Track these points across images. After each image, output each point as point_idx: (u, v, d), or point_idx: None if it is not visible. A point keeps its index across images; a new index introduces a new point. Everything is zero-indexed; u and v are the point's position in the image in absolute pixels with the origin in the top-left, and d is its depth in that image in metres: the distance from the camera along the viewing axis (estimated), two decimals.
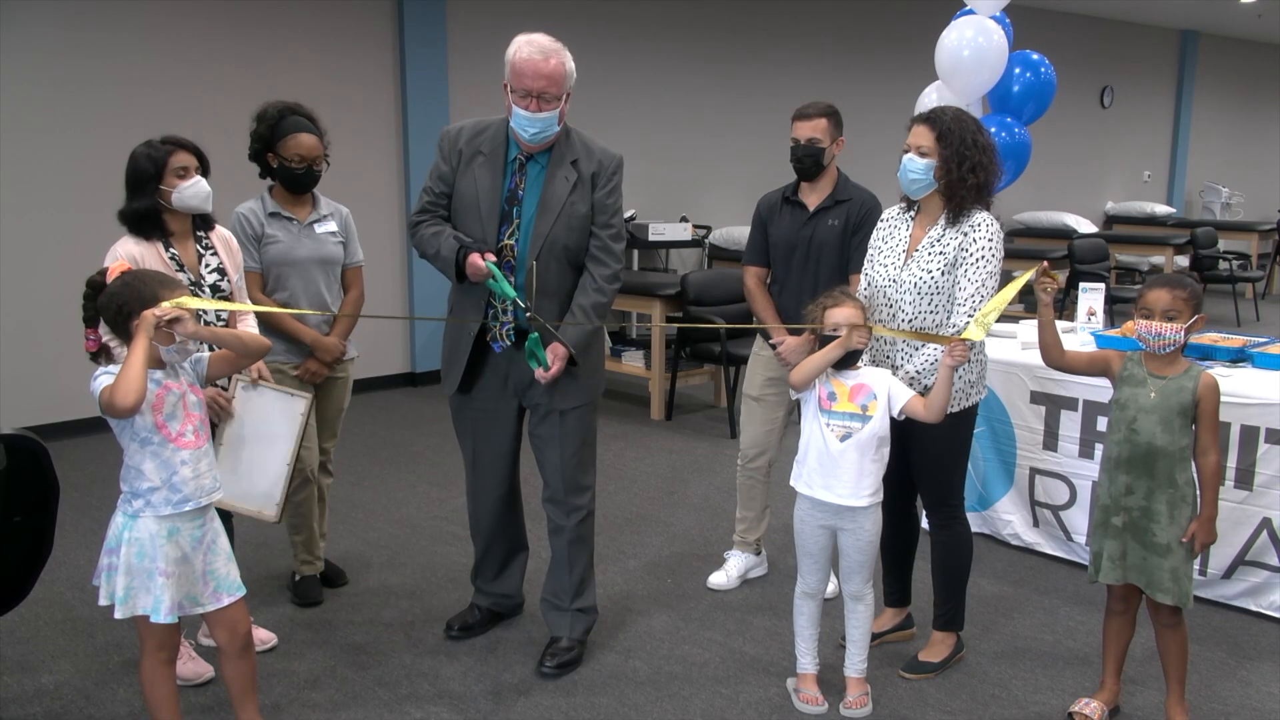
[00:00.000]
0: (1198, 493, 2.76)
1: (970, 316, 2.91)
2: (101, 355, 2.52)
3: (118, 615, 2.45)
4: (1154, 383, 2.75)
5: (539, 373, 2.96)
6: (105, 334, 2.50)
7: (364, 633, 3.49)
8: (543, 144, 2.99)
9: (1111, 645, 2.96)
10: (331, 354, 3.56)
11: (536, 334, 2.92)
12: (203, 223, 3.13)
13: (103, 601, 2.49)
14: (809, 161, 3.54)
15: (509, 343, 3.10)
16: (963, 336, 2.77)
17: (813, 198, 3.59)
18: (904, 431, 2.94)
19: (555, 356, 2.96)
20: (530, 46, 2.90)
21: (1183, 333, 2.69)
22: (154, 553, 2.44)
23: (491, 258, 2.91)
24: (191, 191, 2.99)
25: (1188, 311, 2.69)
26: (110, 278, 2.45)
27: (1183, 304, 2.68)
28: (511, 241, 3.03)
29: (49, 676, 3.20)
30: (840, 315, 2.84)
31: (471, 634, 3.43)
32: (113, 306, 2.41)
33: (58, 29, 5.67)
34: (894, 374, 2.95)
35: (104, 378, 2.37)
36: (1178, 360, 2.76)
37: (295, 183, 3.49)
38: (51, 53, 5.67)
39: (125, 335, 2.42)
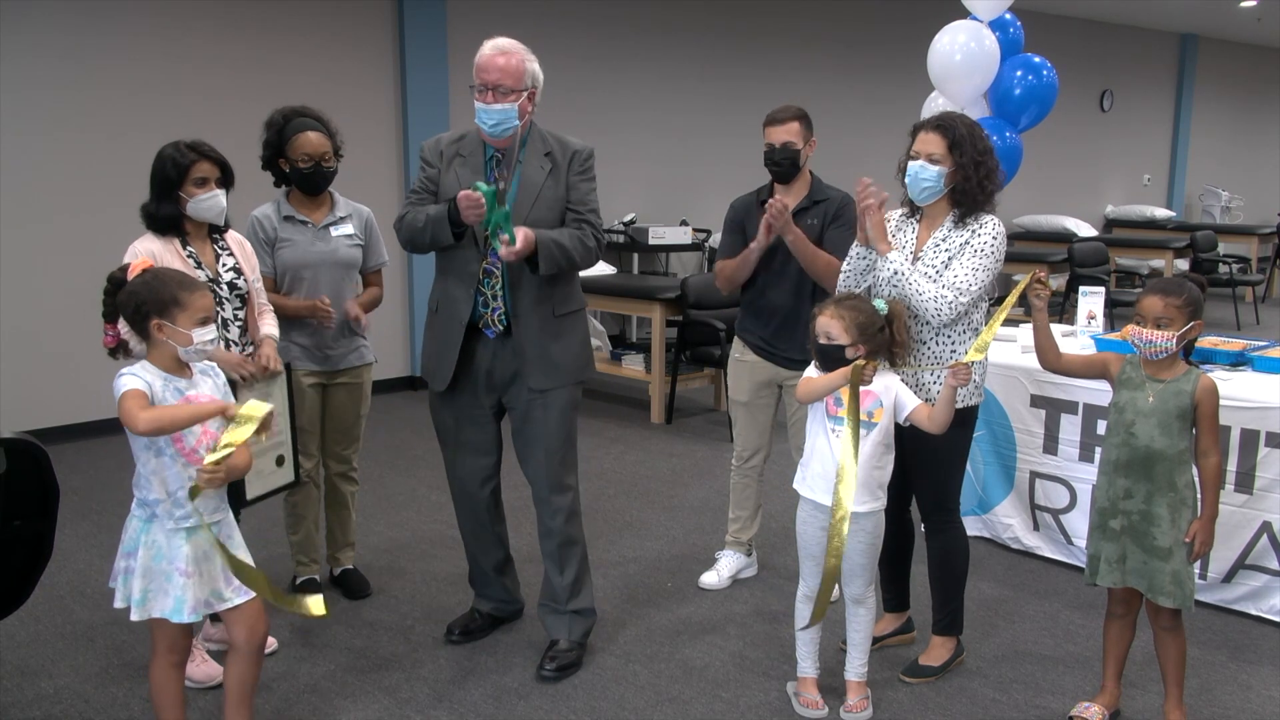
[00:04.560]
0: (1198, 495, 2.76)
1: (953, 292, 2.91)
2: (120, 351, 2.53)
3: (134, 618, 2.44)
4: (1152, 386, 2.75)
5: (504, 247, 2.93)
6: (124, 330, 2.51)
7: (364, 636, 3.49)
8: (504, 138, 3.07)
9: (1112, 648, 2.96)
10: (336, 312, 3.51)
11: (507, 210, 2.93)
12: (215, 226, 3.16)
13: (119, 604, 2.48)
14: (786, 164, 3.59)
15: (501, 327, 3.13)
16: (964, 360, 2.78)
17: (789, 199, 3.61)
18: (903, 434, 2.94)
19: (523, 237, 2.94)
20: (492, 45, 3.06)
21: (1174, 340, 2.67)
22: (172, 554, 2.44)
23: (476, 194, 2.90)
24: (207, 204, 3.04)
25: (1181, 319, 2.67)
26: (131, 275, 2.46)
27: (1176, 311, 2.67)
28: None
29: (48, 681, 3.19)
30: (819, 323, 2.84)
31: (472, 638, 3.43)
32: (131, 304, 2.42)
33: (58, 34, 5.68)
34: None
35: (128, 379, 2.36)
36: (1176, 364, 2.76)
37: (306, 183, 3.50)
38: (52, 57, 5.67)
39: (143, 333, 2.44)
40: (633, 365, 6.73)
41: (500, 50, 3.05)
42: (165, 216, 3.02)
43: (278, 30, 6.43)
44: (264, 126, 3.51)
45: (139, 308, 2.40)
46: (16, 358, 5.67)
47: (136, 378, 2.38)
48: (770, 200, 3.46)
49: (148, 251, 2.97)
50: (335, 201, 3.61)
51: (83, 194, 5.75)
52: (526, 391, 3.14)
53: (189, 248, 3.06)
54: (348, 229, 3.59)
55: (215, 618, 3.29)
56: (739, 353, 3.81)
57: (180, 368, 2.48)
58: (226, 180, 3.09)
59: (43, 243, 5.71)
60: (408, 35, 6.86)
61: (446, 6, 7.01)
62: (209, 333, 2.46)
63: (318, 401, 3.60)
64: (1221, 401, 3.55)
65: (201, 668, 3.14)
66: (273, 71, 6.37)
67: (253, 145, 3.54)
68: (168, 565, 2.43)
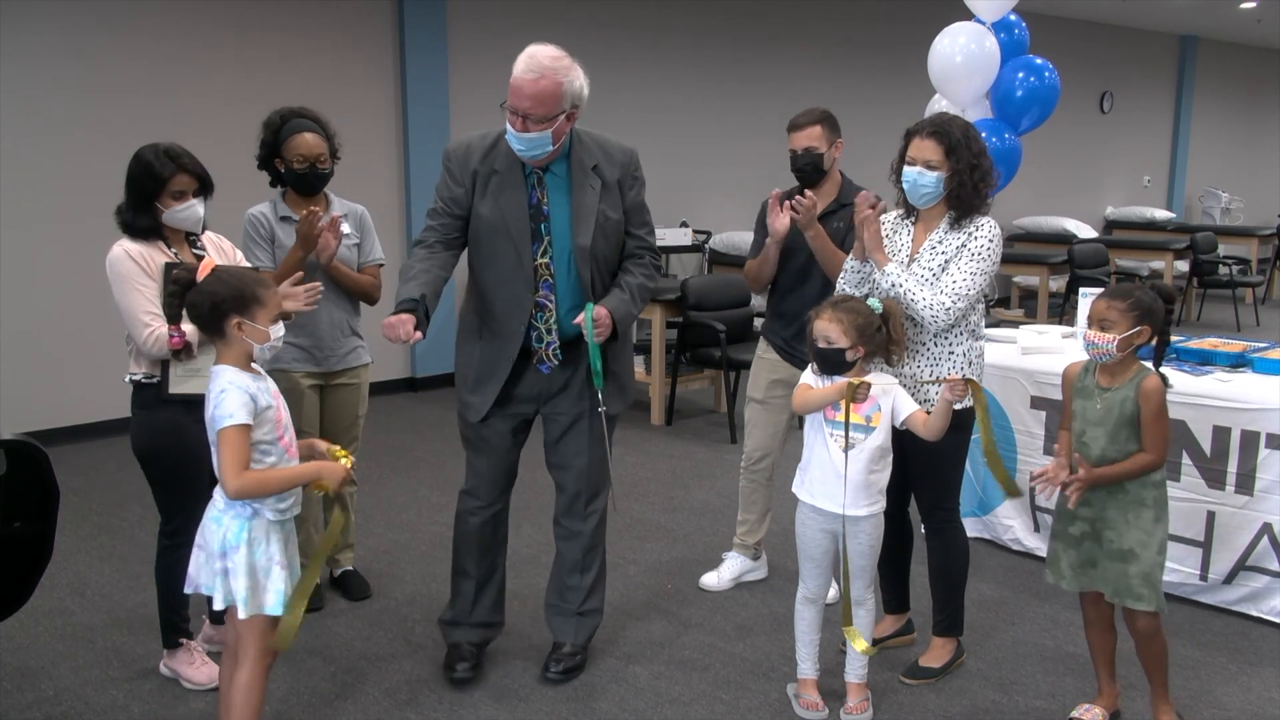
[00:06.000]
0: (1156, 494, 2.74)
1: (950, 299, 2.92)
2: (184, 352, 2.52)
3: (243, 615, 2.43)
4: (1100, 394, 2.75)
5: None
6: (189, 330, 2.52)
7: (364, 639, 3.49)
8: (537, 160, 2.90)
9: (1098, 652, 2.95)
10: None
11: (597, 347, 2.90)
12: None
13: (219, 605, 2.45)
14: (810, 169, 3.58)
15: (557, 361, 3.02)
16: (965, 378, 2.79)
17: (818, 202, 3.61)
18: (902, 436, 2.94)
19: (606, 324, 2.89)
20: (527, 62, 2.77)
21: (1115, 343, 2.66)
22: (271, 548, 2.44)
23: (418, 335, 2.73)
24: (183, 215, 3.01)
25: (1125, 323, 2.66)
26: (201, 275, 2.41)
27: (1118, 315, 2.66)
28: (545, 260, 2.94)
29: (48, 683, 3.19)
30: (816, 326, 2.83)
31: (478, 669, 3.22)
32: (207, 304, 2.38)
33: (57, 35, 5.68)
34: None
35: (232, 400, 2.32)
36: (1127, 370, 2.74)
37: (301, 183, 3.49)
38: (53, 58, 5.67)
39: (217, 332, 2.40)
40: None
41: (537, 72, 2.75)
42: (143, 228, 2.98)
43: (278, 30, 6.43)
44: (262, 126, 3.51)
45: (217, 306, 2.37)
46: (17, 359, 5.67)
47: (241, 393, 2.35)
48: (798, 197, 3.43)
49: (136, 250, 2.95)
50: (330, 202, 3.60)
51: (83, 195, 5.74)
52: (573, 405, 3.08)
53: (172, 248, 3.04)
54: (344, 229, 3.58)
55: (216, 619, 3.30)
56: (762, 350, 3.82)
57: (250, 366, 2.45)
58: (205, 189, 3.04)
59: (43, 244, 5.71)
60: (408, 35, 6.86)
61: (446, 6, 7.01)
62: (281, 329, 2.47)
63: (316, 402, 3.60)
64: (1222, 403, 3.59)
65: (202, 669, 3.14)
66: (272, 71, 6.38)
67: (253, 146, 3.54)
68: (267, 560, 2.44)
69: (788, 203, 3.46)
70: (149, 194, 2.96)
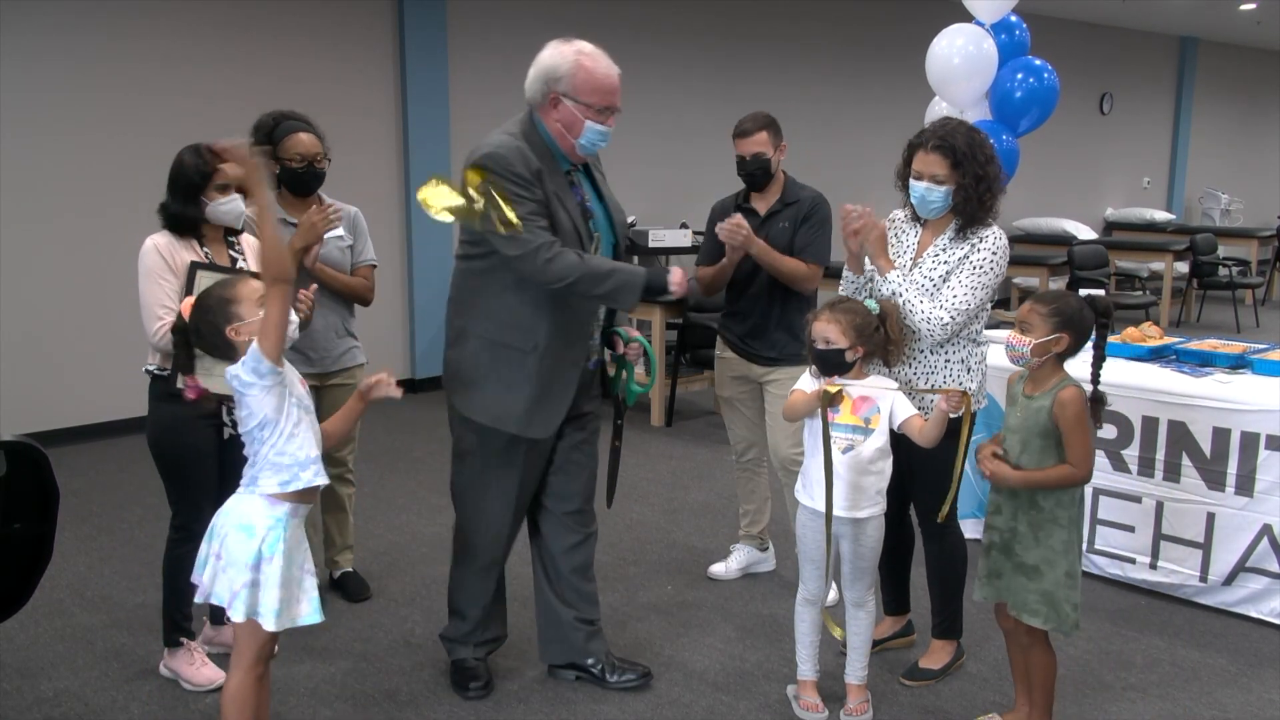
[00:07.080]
0: (1070, 514, 2.68)
1: (949, 314, 2.91)
2: (205, 400, 2.50)
3: (274, 628, 2.38)
4: (1022, 403, 2.72)
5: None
6: (203, 379, 2.47)
7: (364, 641, 3.49)
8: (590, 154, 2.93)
9: (1016, 666, 2.89)
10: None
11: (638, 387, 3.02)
12: (231, 229, 3.16)
13: (239, 618, 2.37)
14: (759, 174, 3.68)
15: (597, 355, 3.08)
16: (962, 390, 2.79)
17: (762, 204, 3.72)
18: (900, 438, 2.94)
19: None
20: (605, 59, 2.80)
21: (1029, 346, 2.62)
22: (300, 557, 2.42)
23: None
24: (226, 209, 3.04)
25: (1044, 327, 2.61)
26: (186, 314, 2.43)
27: (1039, 318, 2.62)
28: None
29: (48, 684, 3.19)
30: (815, 328, 2.83)
31: (489, 685, 3.17)
32: (208, 333, 2.38)
33: (58, 36, 5.68)
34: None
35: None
36: (1050, 378, 2.68)
37: (298, 183, 3.49)
38: (52, 59, 5.67)
39: (227, 349, 2.38)
40: None
41: (610, 63, 2.82)
42: (189, 219, 3.02)
43: (278, 31, 6.43)
44: (253, 130, 3.49)
45: (215, 329, 2.36)
46: (17, 360, 5.66)
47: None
48: (720, 224, 3.51)
49: (166, 245, 2.98)
50: (323, 203, 3.60)
51: (83, 195, 5.75)
52: (591, 402, 3.09)
53: (205, 248, 3.06)
54: (337, 231, 3.58)
55: (217, 620, 3.30)
56: (719, 349, 3.89)
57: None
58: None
59: (43, 244, 5.70)
60: (408, 35, 6.86)
61: (446, 6, 7.01)
62: (292, 316, 2.44)
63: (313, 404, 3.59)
64: (1222, 405, 3.59)
65: (202, 670, 3.14)
66: (273, 72, 6.37)
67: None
68: (299, 571, 2.41)
69: (720, 227, 3.51)
70: (196, 187, 2.99)
